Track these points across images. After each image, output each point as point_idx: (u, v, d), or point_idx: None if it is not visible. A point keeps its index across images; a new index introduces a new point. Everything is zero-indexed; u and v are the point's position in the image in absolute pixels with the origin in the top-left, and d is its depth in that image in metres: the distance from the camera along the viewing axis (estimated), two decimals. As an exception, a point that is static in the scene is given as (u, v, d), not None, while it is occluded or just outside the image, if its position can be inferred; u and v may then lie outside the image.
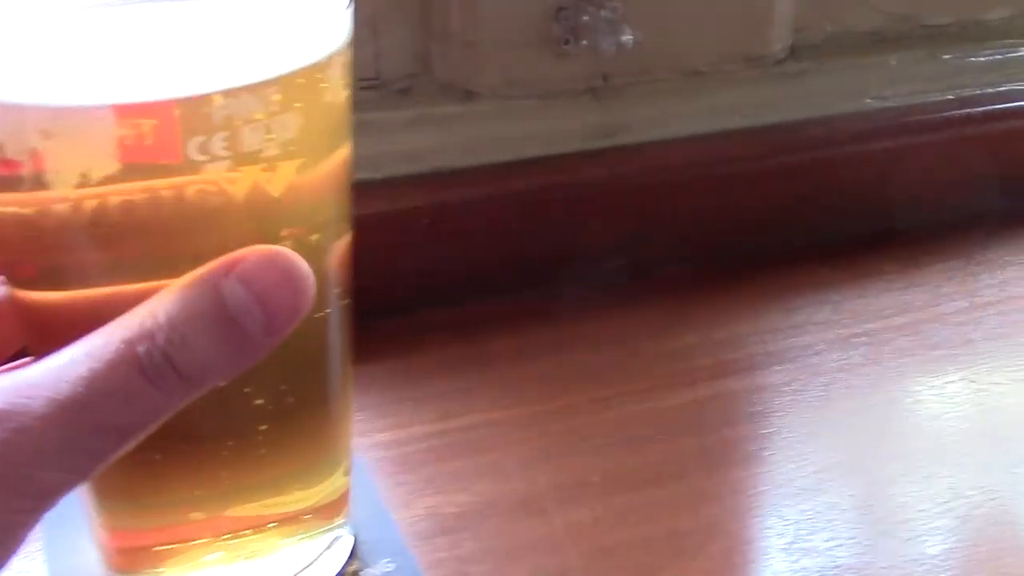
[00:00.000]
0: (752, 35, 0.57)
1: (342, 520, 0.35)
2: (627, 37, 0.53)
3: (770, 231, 0.57)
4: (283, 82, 0.26)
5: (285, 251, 0.25)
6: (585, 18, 0.53)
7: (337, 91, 0.29)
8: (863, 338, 0.50)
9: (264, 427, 0.31)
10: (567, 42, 0.53)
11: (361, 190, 0.50)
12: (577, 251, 0.54)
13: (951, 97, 0.60)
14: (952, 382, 0.47)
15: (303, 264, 0.25)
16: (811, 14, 0.59)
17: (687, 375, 0.47)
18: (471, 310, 0.51)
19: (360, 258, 0.51)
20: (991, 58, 0.63)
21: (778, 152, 0.56)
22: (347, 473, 0.35)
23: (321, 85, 0.28)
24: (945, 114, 0.60)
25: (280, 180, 0.27)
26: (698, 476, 0.41)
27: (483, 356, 0.48)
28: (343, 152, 0.30)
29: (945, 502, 0.40)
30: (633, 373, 0.47)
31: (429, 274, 0.51)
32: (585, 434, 0.44)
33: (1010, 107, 0.61)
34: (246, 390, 0.29)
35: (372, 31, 0.52)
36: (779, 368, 0.48)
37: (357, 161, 0.51)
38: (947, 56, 0.62)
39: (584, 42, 0.53)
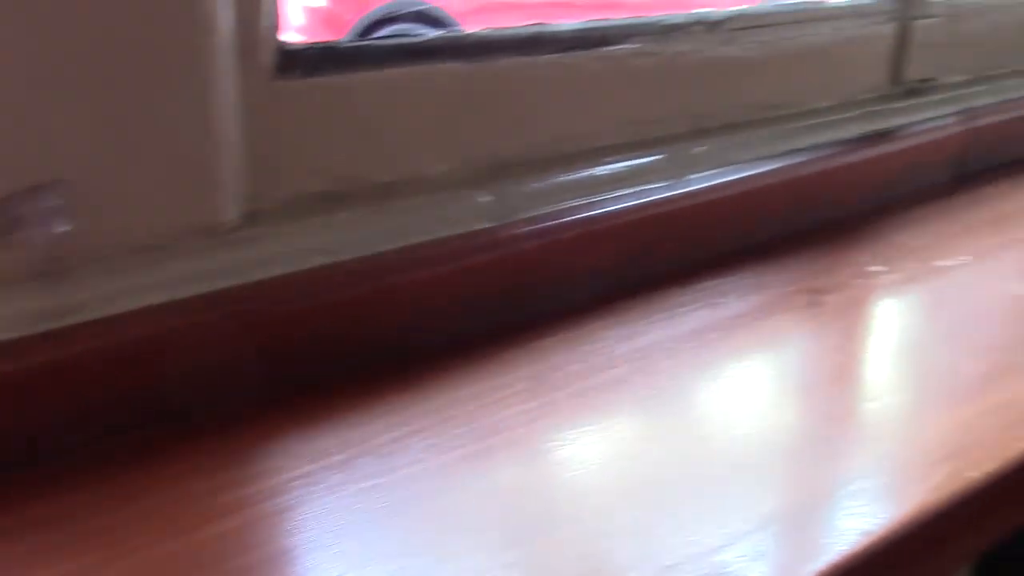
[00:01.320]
0: (200, 207, 0.62)
1: None
2: (65, 228, 0.57)
3: (232, 388, 0.62)
4: None
5: None
6: (22, 210, 0.56)
7: None
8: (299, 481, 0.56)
9: None
10: (8, 232, 0.56)
11: None
12: (45, 432, 0.56)
13: (397, 247, 0.69)
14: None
15: None
16: (262, 181, 0.66)
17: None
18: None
19: None
20: (434, 209, 0.72)
21: (233, 314, 0.61)
22: None
23: None
24: (392, 262, 0.68)
25: None
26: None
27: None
28: None
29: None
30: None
31: None
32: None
33: (452, 250, 0.71)
34: None
35: None
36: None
37: None
38: (394, 209, 0.71)
39: (25, 231, 0.56)
